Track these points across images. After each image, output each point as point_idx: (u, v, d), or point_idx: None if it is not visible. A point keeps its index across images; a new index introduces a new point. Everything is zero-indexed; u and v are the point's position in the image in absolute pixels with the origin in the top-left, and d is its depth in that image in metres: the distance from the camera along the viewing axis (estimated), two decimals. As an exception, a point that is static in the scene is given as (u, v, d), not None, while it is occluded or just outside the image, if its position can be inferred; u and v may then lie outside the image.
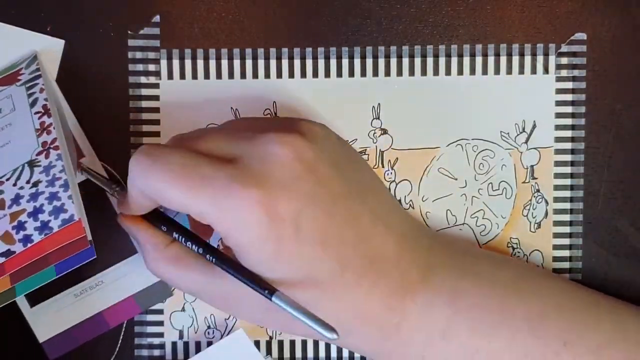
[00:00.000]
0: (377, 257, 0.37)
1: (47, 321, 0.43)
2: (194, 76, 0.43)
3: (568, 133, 0.44)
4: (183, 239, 0.38)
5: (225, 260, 0.37)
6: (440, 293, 0.38)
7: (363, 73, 0.43)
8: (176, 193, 0.35)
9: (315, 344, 0.44)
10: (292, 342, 0.44)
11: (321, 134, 0.37)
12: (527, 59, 0.43)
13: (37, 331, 0.43)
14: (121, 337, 0.44)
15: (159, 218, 0.39)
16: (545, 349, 0.37)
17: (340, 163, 0.37)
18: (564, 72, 0.43)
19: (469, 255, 0.41)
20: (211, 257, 0.37)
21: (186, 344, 0.44)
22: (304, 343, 0.44)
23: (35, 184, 0.37)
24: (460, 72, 0.44)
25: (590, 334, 0.38)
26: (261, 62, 0.43)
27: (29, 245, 0.36)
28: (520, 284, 0.40)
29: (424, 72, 0.44)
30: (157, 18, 0.43)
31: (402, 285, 0.37)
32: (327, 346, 0.44)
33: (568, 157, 0.44)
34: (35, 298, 0.43)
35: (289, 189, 0.34)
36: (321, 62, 0.43)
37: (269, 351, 0.44)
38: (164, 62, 0.43)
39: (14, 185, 0.38)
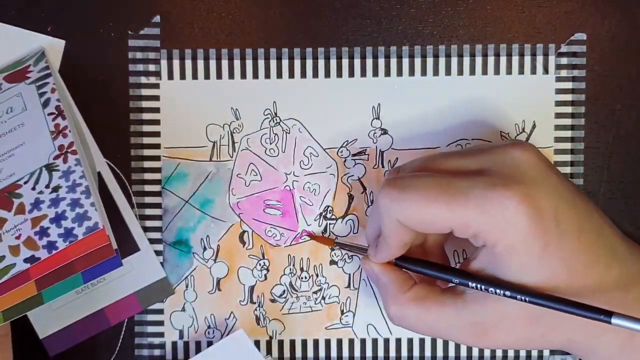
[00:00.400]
0: (613, 250, 0.37)
1: (48, 317, 0.43)
2: (194, 76, 0.43)
3: (568, 133, 0.44)
4: (440, 274, 0.38)
5: (500, 285, 0.36)
6: None
7: (363, 73, 0.43)
8: (439, 209, 0.35)
9: (316, 343, 0.44)
10: (292, 342, 0.44)
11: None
12: (527, 59, 0.43)
13: (38, 327, 0.43)
14: (121, 336, 0.44)
15: (403, 260, 0.40)
16: None
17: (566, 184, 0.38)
18: (563, 72, 0.43)
19: None
20: (483, 287, 0.37)
21: (186, 344, 0.44)
22: (304, 343, 0.44)
23: (56, 189, 0.38)
24: (460, 72, 0.44)
25: None
26: (261, 62, 0.43)
27: (54, 252, 0.36)
28: None
29: (424, 72, 0.44)
30: (157, 18, 0.43)
31: (623, 303, 0.36)
32: (327, 346, 0.44)
33: (568, 157, 0.44)
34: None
35: (545, 185, 0.36)
36: (321, 62, 0.43)
37: (269, 351, 0.44)
38: (164, 62, 0.43)
39: (33, 189, 0.38)
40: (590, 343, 0.37)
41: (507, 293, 0.36)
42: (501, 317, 0.37)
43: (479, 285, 0.37)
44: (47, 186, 0.38)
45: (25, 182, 0.38)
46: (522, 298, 0.35)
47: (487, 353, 0.44)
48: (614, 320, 0.34)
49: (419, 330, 0.39)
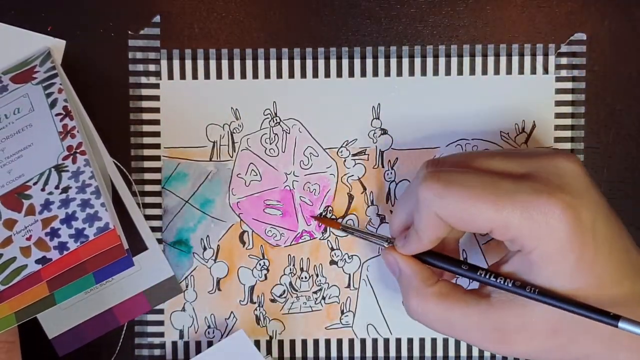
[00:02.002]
0: (637, 266, 0.37)
1: (57, 317, 0.43)
2: (194, 76, 0.43)
3: (568, 133, 0.44)
4: (468, 270, 0.38)
5: (531, 285, 0.36)
6: None
7: (363, 73, 0.43)
8: (482, 207, 0.35)
9: (316, 343, 0.44)
10: (292, 342, 0.44)
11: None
12: (527, 59, 0.43)
13: (47, 327, 0.43)
14: (122, 337, 0.44)
15: (430, 255, 0.39)
16: None
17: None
18: (563, 72, 0.43)
19: None
20: (507, 283, 0.37)
21: (186, 344, 0.44)
22: (304, 343, 0.44)
23: (65, 190, 0.38)
24: (460, 72, 0.44)
25: None
26: (261, 62, 0.43)
27: (65, 252, 0.36)
28: None
29: (424, 72, 0.44)
30: (157, 18, 0.43)
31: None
32: (327, 346, 0.44)
33: (568, 157, 0.44)
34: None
35: (586, 198, 0.36)
36: (321, 62, 0.43)
37: (269, 351, 0.44)
38: (164, 62, 0.43)
39: (42, 190, 0.38)
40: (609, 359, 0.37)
41: (536, 296, 0.36)
42: (524, 324, 0.37)
43: (509, 283, 0.37)
44: (57, 187, 0.38)
45: (35, 183, 0.38)
46: (549, 301, 0.36)
47: (487, 354, 0.44)
48: (620, 324, 0.34)
49: (438, 328, 0.39)
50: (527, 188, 0.35)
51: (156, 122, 0.44)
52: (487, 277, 0.37)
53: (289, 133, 0.44)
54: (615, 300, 0.36)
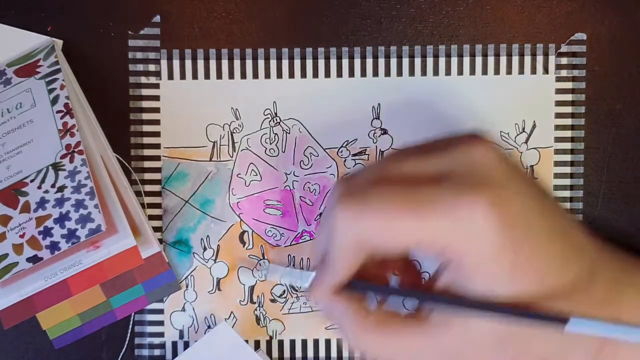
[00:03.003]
0: (581, 251, 0.35)
1: (51, 312, 0.43)
2: (194, 76, 0.43)
3: (568, 133, 0.44)
4: (404, 292, 0.35)
5: (465, 297, 0.33)
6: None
7: (363, 73, 0.43)
8: (404, 222, 0.32)
9: (316, 343, 0.44)
10: (292, 342, 0.44)
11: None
12: (527, 59, 0.43)
13: (42, 321, 0.43)
14: (127, 338, 0.44)
15: (354, 286, 0.35)
16: None
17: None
18: (563, 72, 0.43)
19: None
20: (440, 301, 0.34)
21: (186, 344, 0.44)
22: (304, 343, 0.44)
23: (61, 189, 0.38)
24: (460, 72, 0.44)
25: None
26: (261, 62, 0.43)
27: (56, 252, 0.36)
28: None
29: (424, 72, 0.44)
30: (157, 18, 0.43)
31: (612, 282, 0.35)
32: (327, 346, 0.44)
33: (568, 157, 0.44)
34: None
35: (512, 189, 0.33)
36: (321, 62, 0.43)
37: (269, 351, 0.44)
38: (164, 62, 0.43)
39: (39, 188, 0.38)
40: None
41: (472, 308, 0.33)
42: (468, 342, 0.34)
43: (441, 299, 0.34)
44: (53, 185, 0.38)
45: (32, 181, 0.38)
46: (490, 313, 0.33)
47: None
48: (568, 328, 0.32)
49: (387, 359, 0.35)
50: (447, 190, 0.32)
51: (156, 122, 0.44)
52: (418, 295, 0.34)
53: (289, 133, 0.44)
54: (564, 290, 0.33)
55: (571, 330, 0.32)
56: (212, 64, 0.43)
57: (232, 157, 0.44)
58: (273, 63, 0.43)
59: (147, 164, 0.44)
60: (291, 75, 0.43)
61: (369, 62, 0.43)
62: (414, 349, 0.34)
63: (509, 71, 0.43)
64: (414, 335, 0.34)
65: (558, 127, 0.44)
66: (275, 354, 0.44)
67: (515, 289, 0.33)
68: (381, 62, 0.43)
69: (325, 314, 0.36)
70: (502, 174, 0.33)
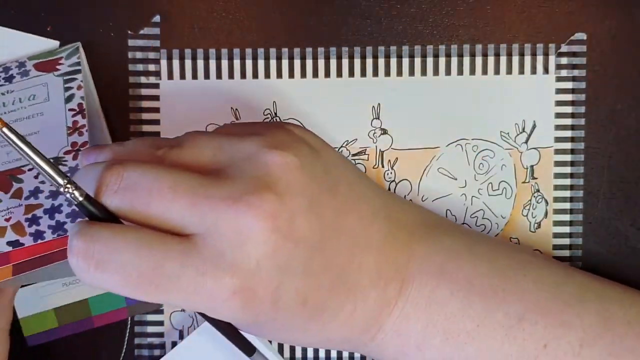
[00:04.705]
0: (355, 288, 0.35)
1: (30, 304, 0.43)
2: (194, 76, 0.43)
3: (568, 133, 0.44)
4: None
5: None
6: (418, 303, 0.36)
7: (363, 73, 0.43)
8: (141, 297, 0.31)
9: (315, 343, 0.44)
10: (292, 342, 0.44)
11: (295, 159, 0.33)
12: (527, 59, 0.43)
13: (19, 309, 0.43)
14: (127, 338, 0.44)
15: None
16: (523, 353, 0.36)
17: (314, 195, 0.33)
18: (564, 72, 0.43)
19: (454, 251, 0.38)
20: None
21: (186, 344, 0.44)
22: (304, 343, 0.44)
23: None
24: (460, 72, 0.44)
25: (572, 333, 0.36)
26: (261, 62, 0.43)
27: (39, 241, 0.36)
28: (501, 285, 0.37)
29: (424, 72, 0.44)
30: (157, 18, 0.43)
31: (381, 306, 0.36)
32: (327, 346, 0.44)
33: (568, 157, 0.44)
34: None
35: (265, 268, 0.31)
36: (321, 62, 0.43)
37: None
38: (164, 62, 0.43)
39: (35, 177, 0.37)
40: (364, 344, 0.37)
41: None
42: None
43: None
44: None
45: (30, 169, 0.38)
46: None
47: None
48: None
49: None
50: (191, 270, 0.31)
51: (156, 122, 0.43)
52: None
53: (289, 133, 0.44)
54: (313, 330, 0.35)
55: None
56: (212, 64, 0.43)
57: (232, 157, 0.44)
58: (273, 63, 0.43)
59: (147, 164, 0.44)
60: (291, 75, 0.43)
61: (369, 62, 0.43)
62: None
63: (509, 71, 0.43)
64: None
65: (558, 127, 0.44)
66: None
67: (253, 330, 0.36)
68: (381, 62, 0.43)
69: None
70: (264, 250, 0.31)
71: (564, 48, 0.44)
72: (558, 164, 0.44)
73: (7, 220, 0.36)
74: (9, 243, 0.36)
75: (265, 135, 0.34)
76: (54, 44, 0.43)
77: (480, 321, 0.37)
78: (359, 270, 0.35)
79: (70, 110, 0.39)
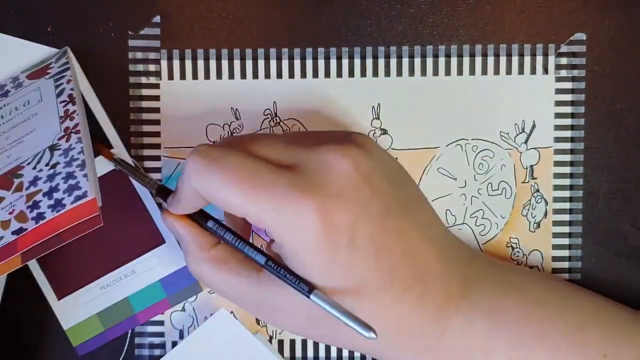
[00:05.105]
0: (422, 270, 0.37)
1: (72, 313, 0.43)
2: (194, 76, 0.43)
3: (567, 133, 0.44)
4: (231, 239, 0.37)
5: (271, 260, 0.36)
6: (481, 307, 0.38)
7: (363, 73, 0.43)
8: (236, 196, 0.35)
9: (316, 343, 0.44)
10: (292, 342, 0.44)
11: (375, 147, 0.38)
12: (527, 59, 0.43)
13: (62, 320, 0.43)
14: (127, 338, 0.44)
15: (205, 217, 0.38)
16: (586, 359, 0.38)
17: (392, 176, 0.37)
18: (563, 72, 0.44)
19: (506, 270, 0.41)
20: (258, 257, 0.37)
21: (186, 344, 0.44)
22: (304, 342, 0.44)
23: (54, 166, 0.37)
24: (460, 72, 0.44)
25: (629, 346, 0.38)
26: (261, 62, 0.43)
27: (41, 222, 0.35)
28: (558, 299, 0.40)
29: (424, 72, 0.44)
30: (157, 18, 0.43)
31: (446, 299, 0.37)
32: (327, 346, 0.44)
33: (567, 157, 0.44)
34: (62, 290, 0.43)
35: (346, 199, 0.35)
36: (321, 62, 0.43)
37: (269, 351, 0.44)
38: (164, 63, 0.43)
39: (34, 168, 0.37)
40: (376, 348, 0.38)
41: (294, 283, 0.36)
42: (283, 304, 0.37)
43: (262, 259, 0.36)
44: (47, 164, 0.37)
45: (29, 164, 0.38)
46: (257, 259, 0.36)
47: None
48: (312, 297, 0.34)
49: (215, 290, 0.40)
50: (284, 182, 0.34)
51: (156, 122, 0.44)
52: (245, 248, 0.37)
53: (289, 133, 0.44)
54: (376, 306, 0.36)
55: (315, 300, 0.35)
56: (212, 64, 0.43)
57: (232, 157, 0.44)
58: (273, 63, 0.43)
59: (147, 164, 0.44)
60: (291, 75, 0.43)
61: (369, 62, 0.43)
62: (240, 293, 0.38)
63: (508, 71, 0.43)
64: (243, 281, 0.37)
65: (558, 127, 0.44)
66: (275, 353, 0.44)
67: (330, 285, 0.35)
68: (381, 62, 0.43)
69: (173, 234, 0.39)
70: (347, 185, 0.35)
71: (564, 48, 0.44)
72: (557, 164, 0.44)
73: (11, 213, 0.36)
74: (14, 232, 0.36)
75: (342, 137, 0.37)
76: (50, 51, 0.43)
77: (543, 327, 0.38)
78: (425, 257, 0.37)
79: (61, 102, 0.39)
